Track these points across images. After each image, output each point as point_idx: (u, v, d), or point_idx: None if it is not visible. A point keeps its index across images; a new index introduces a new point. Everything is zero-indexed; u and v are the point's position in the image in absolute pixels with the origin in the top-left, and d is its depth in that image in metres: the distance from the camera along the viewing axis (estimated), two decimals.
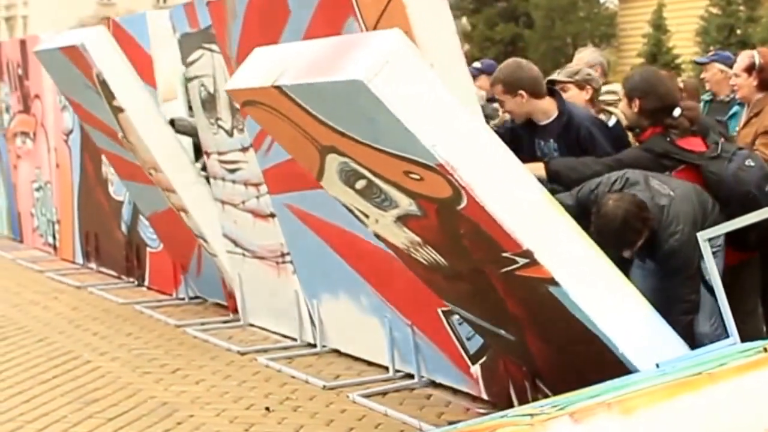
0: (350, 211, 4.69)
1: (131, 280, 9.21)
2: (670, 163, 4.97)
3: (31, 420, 5.51)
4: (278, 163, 6.20)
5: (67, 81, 7.82)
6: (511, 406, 4.89)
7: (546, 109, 5.34)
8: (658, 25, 27.85)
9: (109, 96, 7.21)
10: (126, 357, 6.77)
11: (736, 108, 6.57)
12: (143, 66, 7.66)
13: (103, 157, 8.93)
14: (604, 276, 4.19)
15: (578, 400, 3.46)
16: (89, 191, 9.72)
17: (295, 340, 6.92)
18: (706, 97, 7.38)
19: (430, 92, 3.87)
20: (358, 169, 4.24)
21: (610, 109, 5.68)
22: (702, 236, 4.19)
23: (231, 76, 6.14)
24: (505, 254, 4.07)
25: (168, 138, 7.44)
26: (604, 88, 6.45)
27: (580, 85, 5.76)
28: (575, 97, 5.61)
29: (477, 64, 8.49)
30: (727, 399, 3.48)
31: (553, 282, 4.06)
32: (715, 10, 26.94)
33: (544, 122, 5.35)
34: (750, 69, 5.84)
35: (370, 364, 6.32)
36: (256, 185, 6.77)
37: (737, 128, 6.03)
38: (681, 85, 6.34)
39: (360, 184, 4.32)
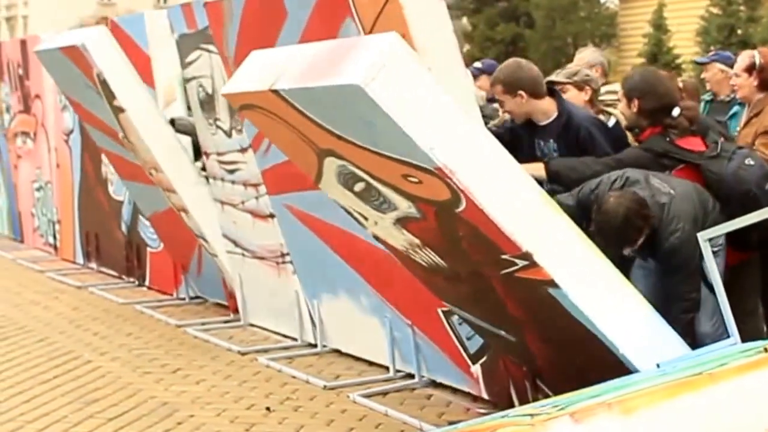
0: (349, 213, 4.69)
1: (132, 280, 9.21)
2: (669, 163, 4.97)
3: (32, 420, 5.52)
4: (277, 163, 6.20)
5: (67, 81, 7.82)
6: (512, 405, 4.89)
7: (546, 110, 5.34)
8: (659, 25, 27.84)
9: (110, 96, 7.21)
10: (126, 357, 6.77)
11: (736, 108, 6.57)
12: (142, 66, 7.65)
13: (103, 157, 8.94)
14: (604, 277, 4.19)
15: (579, 400, 3.46)
16: (89, 191, 9.72)
17: (295, 340, 6.92)
18: (706, 97, 7.37)
19: (428, 95, 3.86)
20: (357, 172, 4.23)
21: (609, 110, 5.69)
22: (702, 236, 4.19)
23: (229, 78, 6.14)
24: (504, 256, 4.07)
25: (168, 138, 7.44)
26: (604, 88, 6.45)
27: (579, 86, 5.76)
28: (574, 97, 5.61)
29: (478, 64, 8.49)
30: (727, 399, 3.48)
31: (553, 284, 4.06)
32: (715, 10, 26.93)
33: (543, 122, 5.35)
34: (750, 69, 5.84)
35: (370, 364, 6.32)
36: (255, 186, 6.77)
37: (738, 128, 6.03)
38: (680, 85, 6.34)
39: (358, 186, 4.32)
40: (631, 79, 5.24)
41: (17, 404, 5.80)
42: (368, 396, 5.71)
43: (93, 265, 9.93)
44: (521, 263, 4.05)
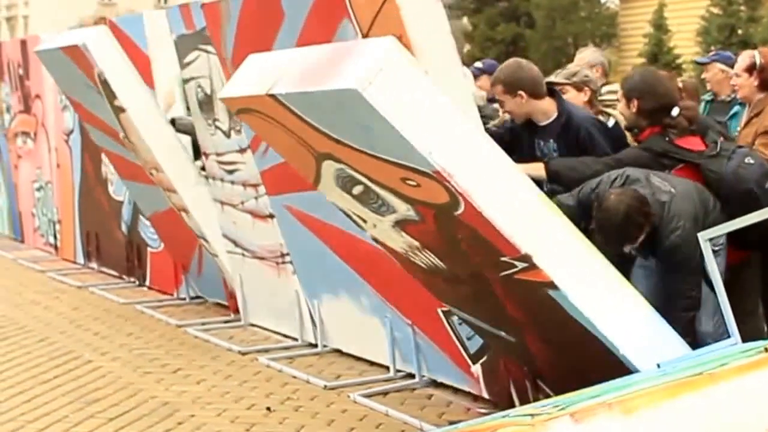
0: (348, 216, 4.69)
1: (132, 280, 9.21)
2: (669, 162, 4.98)
3: (32, 420, 5.52)
4: (276, 164, 6.20)
5: (68, 81, 7.82)
6: (512, 405, 4.89)
7: (545, 110, 5.34)
8: (659, 25, 27.83)
9: (111, 96, 7.21)
10: (127, 357, 6.77)
11: (737, 108, 6.57)
12: (141, 67, 7.65)
13: (103, 157, 8.94)
14: (604, 277, 4.19)
15: (579, 400, 3.46)
16: (90, 191, 9.72)
17: (296, 340, 6.92)
18: (707, 97, 7.38)
19: (425, 99, 3.86)
20: (355, 176, 4.23)
21: (608, 110, 5.69)
22: (703, 236, 4.19)
23: (227, 79, 6.14)
24: (503, 258, 4.07)
25: (169, 138, 7.44)
26: (605, 88, 6.46)
27: (578, 87, 5.76)
28: (573, 98, 5.62)
29: (478, 64, 8.50)
30: (728, 399, 3.48)
31: (552, 285, 4.06)
32: (716, 10, 26.92)
33: (543, 123, 5.36)
34: (751, 69, 5.84)
35: (371, 364, 6.33)
36: (255, 186, 6.76)
37: (738, 128, 6.03)
38: (680, 85, 6.34)
39: (357, 189, 4.32)
40: (630, 80, 5.24)
41: (18, 404, 5.80)
42: (369, 396, 5.72)
43: (93, 265, 9.93)
44: (521, 265, 4.06)
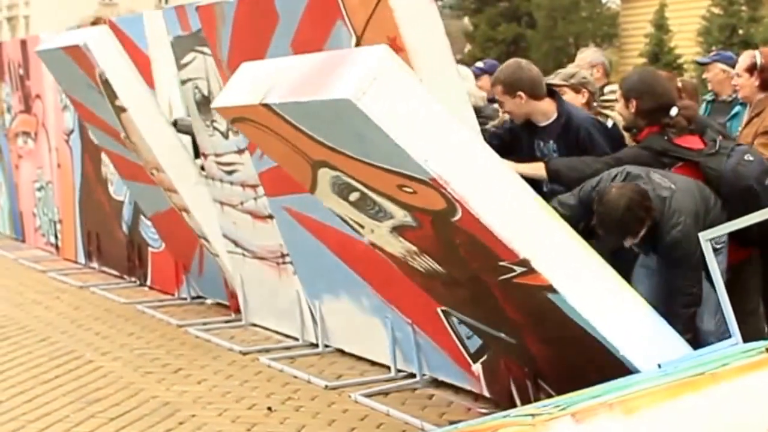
0: (345, 221, 4.69)
1: (133, 279, 9.21)
2: (668, 161, 4.99)
3: (33, 420, 5.52)
4: (273, 166, 6.18)
5: (69, 81, 7.82)
6: (513, 403, 4.90)
7: (545, 111, 5.34)
8: (660, 25, 27.82)
9: (112, 96, 7.21)
10: (128, 357, 6.77)
11: (737, 108, 6.56)
12: (141, 67, 7.65)
13: (103, 157, 8.94)
14: (602, 280, 4.19)
15: (580, 401, 3.46)
16: (90, 191, 9.72)
17: (297, 339, 6.92)
18: (708, 97, 7.37)
19: (420, 107, 3.85)
20: (351, 183, 4.23)
21: (607, 112, 5.70)
22: (704, 236, 4.19)
23: (223, 80, 6.14)
24: (501, 263, 4.07)
25: (170, 138, 7.44)
26: (607, 88, 6.46)
27: (576, 89, 5.76)
28: (571, 100, 5.61)
29: (479, 64, 8.50)
30: (729, 399, 3.48)
31: (551, 289, 4.06)
32: (717, 10, 26.91)
33: (543, 123, 5.35)
34: (752, 69, 5.84)
35: (372, 363, 6.33)
36: (254, 187, 6.76)
37: (739, 128, 6.03)
38: (679, 84, 6.33)
39: (353, 196, 4.32)
40: (628, 80, 5.25)
41: (19, 404, 5.80)
42: (370, 396, 5.71)
43: (94, 264, 9.93)
44: (519, 269, 4.06)
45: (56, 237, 10.76)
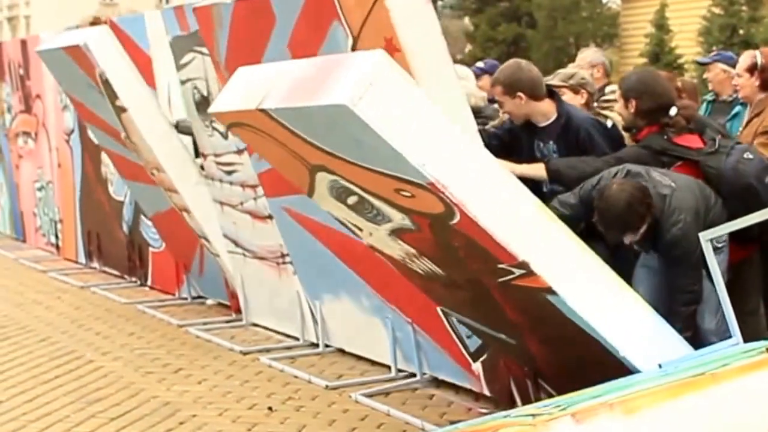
0: (344, 224, 4.69)
1: (134, 279, 9.21)
2: (668, 160, 5.00)
3: (34, 419, 5.52)
4: (273, 167, 6.18)
5: (69, 81, 7.82)
6: (514, 402, 4.91)
7: (545, 111, 5.33)
8: (661, 25, 27.79)
9: (112, 96, 7.21)
10: (128, 357, 6.77)
11: (738, 108, 6.56)
12: (142, 67, 7.65)
13: (103, 157, 8.94)
14: (602, 281, 4.19)
15: (581, 401, 3.46)
16: (90, 191, 9.72)
17: (297, 339, 6.92)
18: (708, 97, 7.37)
19: (417, 111, 3.84)
20: (349, 187, 4.23)
21: (606, 112, 5.70)
22: (704, 236, 4.19)
23: (220, 81, 6.14)
24: (500, 266, 4.07)
25: (170, 138, 7.44)
26: (607, 88, 6.46)
27: (575, 90, 5.76)
28: (570, 101, 5.61)
29: (480, 64, 8.50)
30: (730, 399, 3.48)
31: (551, 291, 4.07)
32: (717, 10, 26.88)
33: (543, 124, 5.35)
34: (752, 69, 5.84)
35: (372, 363, 6.33)
36: (253, 187, 6.76)
37: (740, 129, 6.03)
38: (678, 84, 6.32)
39: (352, 200, 4.32)
40: (628, 80, 5.26)
41: (19, 404, 5.80)
42: (370, 396, 5.72)
43: (95, 264, 9.93)
44: (518, 272, 4.06)
45: (57, 237, 10.77)
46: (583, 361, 4.35)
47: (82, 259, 10.19)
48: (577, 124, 5.29)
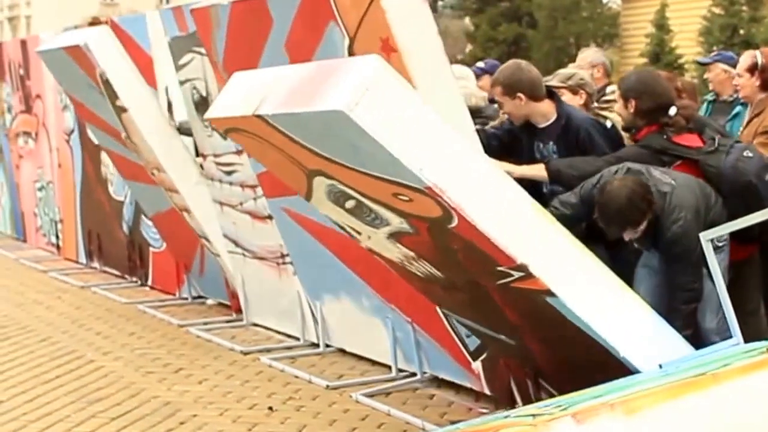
0: (342, 228, 4.69)
1: (134, 279, 9.21)
2: (668, 159, 5.00)
3: (35, 419, 5.52)
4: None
5: (70, 81, 7.82)
6: (514, 401, 4.91)
7: (545, 112, 5.33)
8: (661, 25, 27.79)
9: (113, 96, 7.21)
10: (129, 356, 6.77)
11: (738, 108, 6.56)
12: (143, 67, 7.65)
13: (103, 157, 8.94)
14: (601, 282, 4.19)
15: (581, 401, 3.46)
16: (91, 191, 9.72)
17: (298, 339, 6.92)
18: (709, 97, 7.37)
19: (414, 115, 3.84)
20: (347, 191, 4.23)
21: (605, 113, 5.70)
22: (705, 236, 4.19)
23: (219, 82, 6.13)
24: (499, 268, 4.07)
25: (171, 138, 7.44)
26: (608, 89, 6.45)
27: (574, 90, 5.76)
28: (569, 101, 5.61)
29: (480, 64, 8.50)
30: (730, 400, 3.48)
31: (550, 293, 4.07)
32: (718, 10, 26.88)
33: (542, 125, 5.35)
34: (753, 69, 5.84)
35: (373, 363, 6.32)
36: (253, 187, 6.75)
37: (741, 129, 6.03)
38: (678, 84, 6.32)
39: (349, 204, 4.32)
40: (627, 80, 5.26)
41: (20, 404, 5.80)
42: (371, 396, 5.72)
43: (96, 264, 9.93)
44: (517, 274, 4.06)
45: (57, 237, 10.77)
46: (584, 361, 4.35)
47: (82, 259, 10.19)
48: (576, 125, 5.29)
